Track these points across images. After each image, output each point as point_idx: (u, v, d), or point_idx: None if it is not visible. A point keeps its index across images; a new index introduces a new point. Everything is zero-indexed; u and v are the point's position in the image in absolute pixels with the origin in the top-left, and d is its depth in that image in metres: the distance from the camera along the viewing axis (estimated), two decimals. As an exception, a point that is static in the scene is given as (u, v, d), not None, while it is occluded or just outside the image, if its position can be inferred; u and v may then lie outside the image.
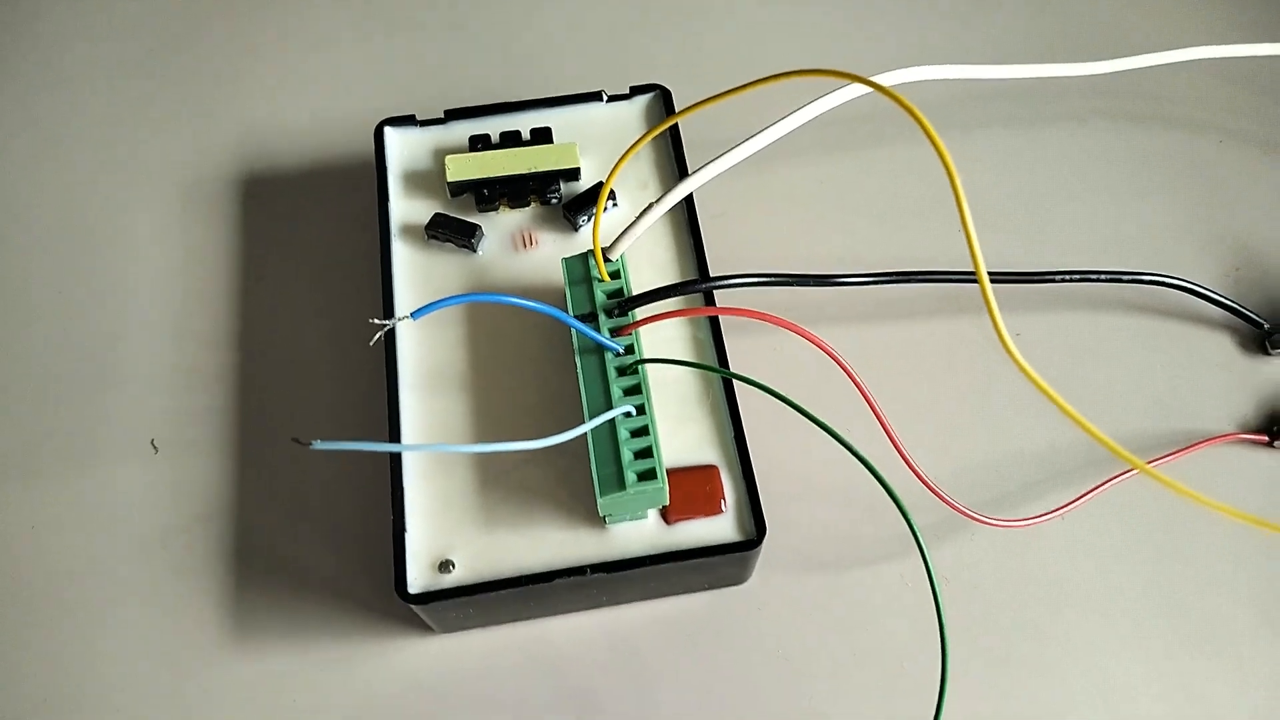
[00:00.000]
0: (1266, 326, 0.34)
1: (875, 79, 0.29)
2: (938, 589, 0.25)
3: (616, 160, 0.33)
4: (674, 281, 0.30)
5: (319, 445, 0.22)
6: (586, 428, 0.26)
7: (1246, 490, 0.32)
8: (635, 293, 0.29)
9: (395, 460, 0.29)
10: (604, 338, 0.28)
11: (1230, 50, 0.37)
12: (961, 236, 0.27)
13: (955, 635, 0.30)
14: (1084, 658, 0.30)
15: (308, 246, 0.37)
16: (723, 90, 0.26)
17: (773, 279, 0.31)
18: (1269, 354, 0.34)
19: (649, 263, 0.32)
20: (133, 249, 0.38)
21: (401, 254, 0.33)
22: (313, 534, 0.32)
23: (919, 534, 0.25)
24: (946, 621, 0.25)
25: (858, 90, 0.30)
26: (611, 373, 0.28)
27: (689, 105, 0.27)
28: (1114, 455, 0.22)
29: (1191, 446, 0.32)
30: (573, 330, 0.28)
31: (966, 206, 0.22)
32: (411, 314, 0.25)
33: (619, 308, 0.29)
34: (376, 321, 0.24)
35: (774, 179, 0.38)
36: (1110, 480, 0.31)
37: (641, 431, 0.27)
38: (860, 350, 0.33)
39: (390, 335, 0.31)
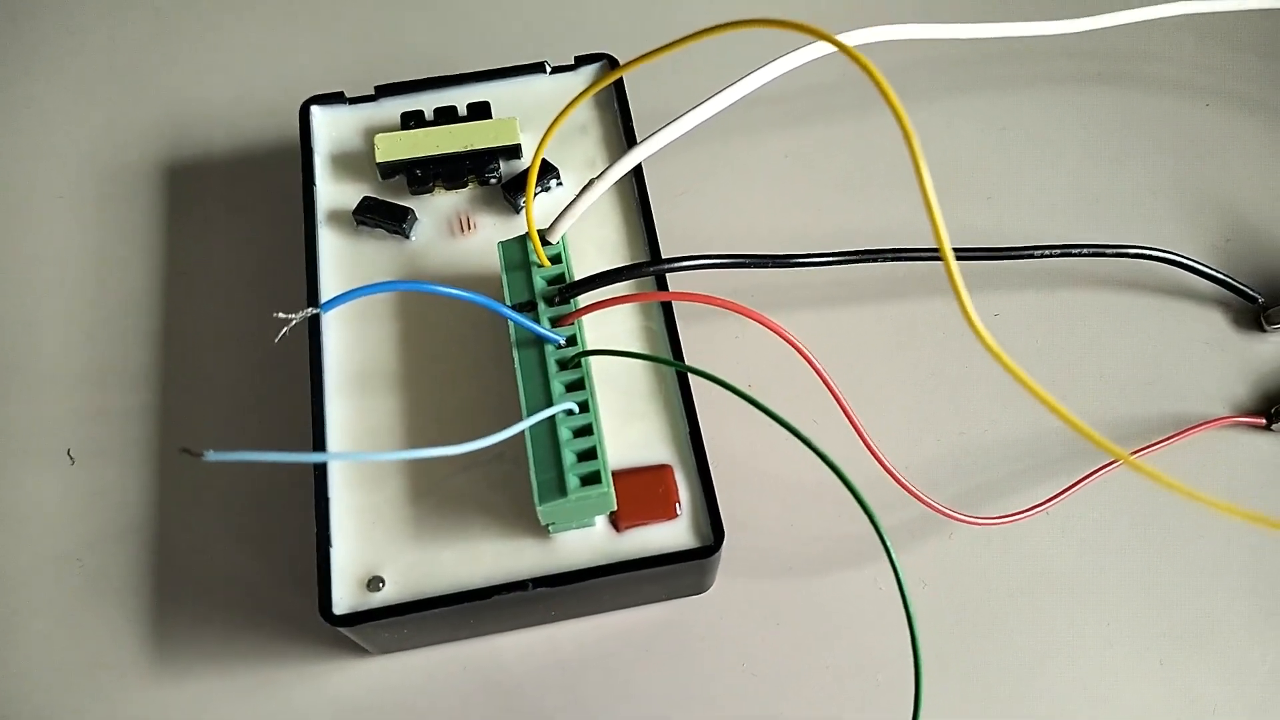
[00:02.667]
0: (1261, 300, 0.32)
1: (835, 37, 0.26)
2: (907, 595, 0.23)
3: (562, 136, 0.31)
4: (620, 265, 0.28)
5: (212, 456, 0.19)
6: (521, 426, 0.24)
7: (1244, 476, 0.30)
8: (578, 278, 0.27)
9: (320, 470, 0.26)
10: (543, 328, 0.26)
11: (1214, 5, 0.35)
12: (925, 214, 0.25)
13: (933, 639, 0.28)
14: (1072, 658, 0.28)
15: (233, 236, 0.35)
16: (667, 42, 0.23)
17: (729, 260, 0.28)
18: (1264, 330, 0.32)
19: (595, 246, 0.30)
20: (45, 239, 0.35)
21: (329, 242, 0.30)
22: (239, 548, 0.30)
23: (885, 537, 0.23)
24: (919, 630, 0.23)
25: (815, 52, 0.28)
26: (552, 367, 0.26)
27: (631, 60, 0.24)
28: (1095, 441, 0.20)
29: (1185, 431, 0.30)
30: (509, 321, 0.26)
31: (928, 177, 0.20)
32: (321, 305, 0.22)
33: (560, 295, 0.27)
34: (282, 315, 0.22)
35: (733, 154, 0.36)
36: (1098, 471, 0.29)
37: (585, 431, 0.25)
38: (825, 336, 0.31)
39: (314, 332, 0.28)
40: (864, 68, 0.19)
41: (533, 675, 0.28)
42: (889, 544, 0.23)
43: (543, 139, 0.25)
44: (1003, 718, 0.27)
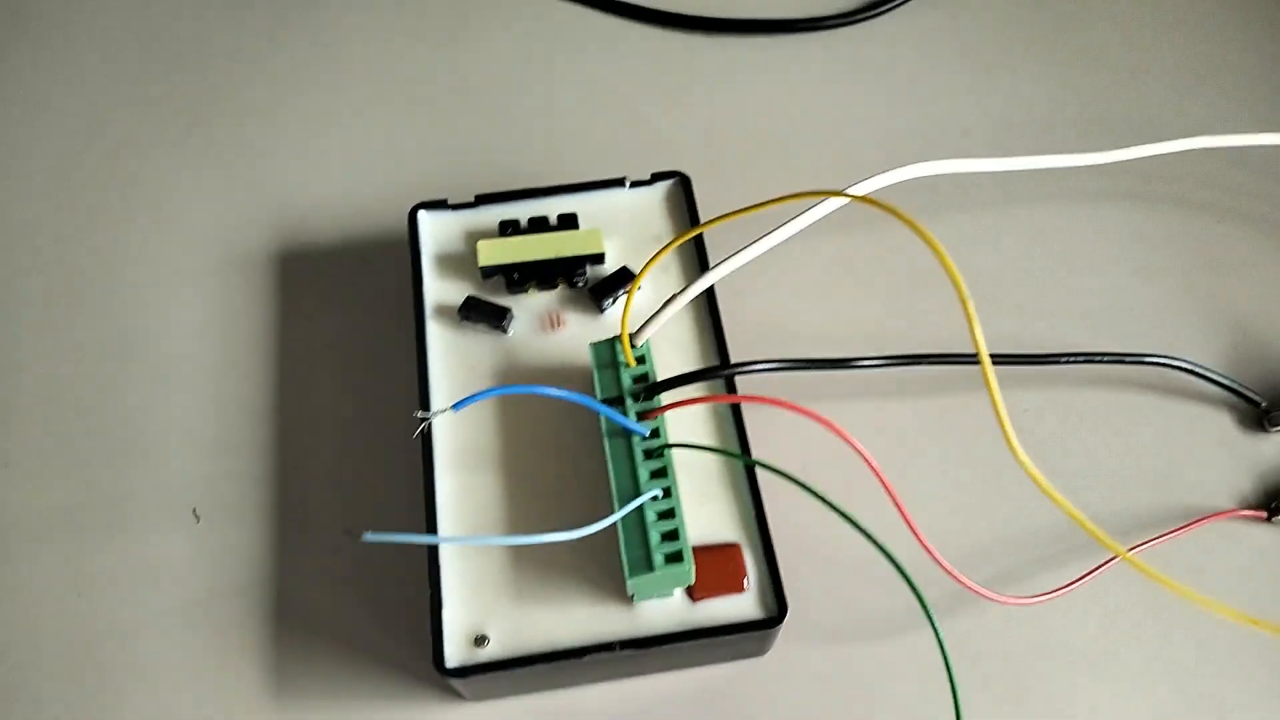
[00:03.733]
0: (1264, 404, 0.36)
1: (880, 177, 0.31)
2: (950, 663, 0.26)
3: (639, 244, 0.35)
4: (696, 368, 0.32)
5: (369, 538, 0.23)
6: (617, 517, 0.28)
7: (1246, 565, 0.34)
8: (660, 378, 0.31)
9: (433, 548, 0.30)
10: (631, 422, 0.30)
11: (1236, 140, 0.39)
12: None
13: (968, 706, 0.31)
14: (1091, 729, 0.31)
15: (342, 321, 0.39)
16: (739, 201, 0.28)
17: (790, 364, 0.32)
18: (1267, 431, 0.36)
19: (672, 345, 0.34)
20: (173, 320, 0.39)
21: (435, 334, 0.34)
22: (351, 602, 0.34)
23: (930, 610, 0.27)
24: (960, 694, 0.26)
25: (872, 185, 0.32)
26: (638, 455, 0.29)
27: (711, 219, 0.29)
28: (1097, 539, 0.24)
29: (1191, 524, 0.34)
30: (601, 414, 0.30)
31: (970, 301, 0.24)
32: (453, 406, 0.26)
33: (645, 392, 0.31)
34: (420, 415, 0.26)
35: (792, 259, 0.39)
36: (1096, 569, 0.32)
37: (668, 514, 0.29)
38: (874, 428, 0.35)
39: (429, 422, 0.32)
40: (902, 218, 0.23)
41: (609, 725, 0.32)
42: (933, 617, 0.27)
43: (643, 269, 0.29)
44: (1028, 777, 0.31)
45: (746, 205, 0.29)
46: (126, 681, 0.33)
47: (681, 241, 0.30)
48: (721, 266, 0.31)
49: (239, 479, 0.36)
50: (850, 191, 0.27)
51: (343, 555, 0.34)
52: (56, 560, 0.35)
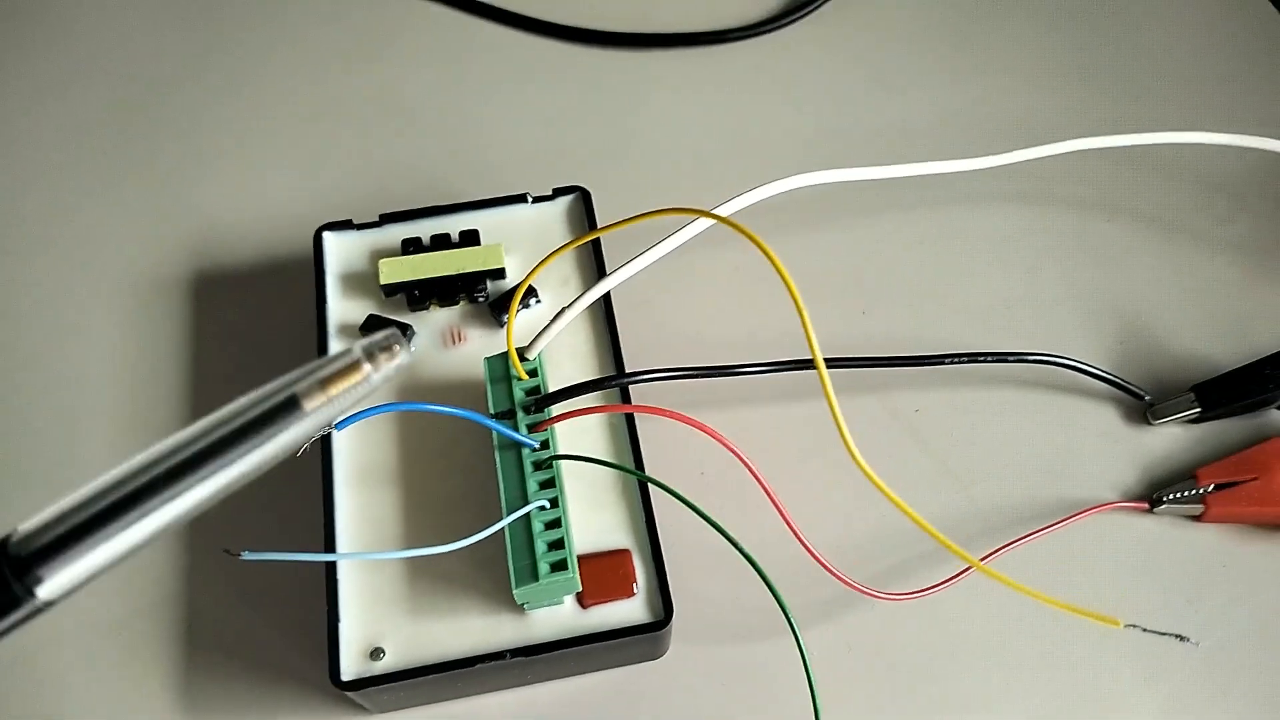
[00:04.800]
0: (1148, 398, 0.37)
1: (760, 190, 0.32)
2: (808, 661, 0.28)
3: (541, 259, 0.36)
4: (590, 378, 0.33)
5: (248, 556, 0.24)
6: (500, 526, 0.29)
7: (1128, 554, 0.35)
8: (551, 390, 0.32)
9: (331, 549, 0.31)
10: (520, 435, 0.30)
11: (1119, 140, 0.40)
12: (866, 319, 0.29)
13: (851, 700, 0.32)
14: (975, 714, 0.32)
15: (254, 343, 0.39)
16: (636, 213, 0.29)
17: (679, 373, 0.33)
18: (1150, 424, 0.37)
19: (569, 355, 0.35)
20: (86, 342, 0.40)
21: (338, 353, 0.35)
22: (259, 620, 0.34)
23: (791, 616, 0.28)
24: (841, 690, 0.27)
25: (748, 200, 0.33)
26: (528, 467, 0.30)
27: (605, 225, 0.30)
28: (947, 547, 0.25)
29: (1076, 515, 0.35)
30: (491, 428, 0.31)
31: (804, 309, 0.25)
32: (335, 425, 0.27)
33: (536, 404, 0.31)
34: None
35: (691, 268, 0.40)
36: (1004, 547, 0.33)
37: (555, 524, 0.29)
38: (762, 433, 0.36)
39: (326, 437, 0.33)
40: (750, 238, 0.24)
41: (511, 731, 0.32)
42: (790, 616, 0.28)
43: (526, 276, 0.30)
44: (917, 767, 0.32)
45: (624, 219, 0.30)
46: (38, 703, 0.33)
47: (561, 252, 0.31)
48: (608, 279, 0.32)
49: (151, 500, 0.36)
50: (713, 212, 0.28)
51: (251, 572, 0.35)
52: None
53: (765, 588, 0.34)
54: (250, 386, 0.38)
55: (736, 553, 0.34)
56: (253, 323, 0.40)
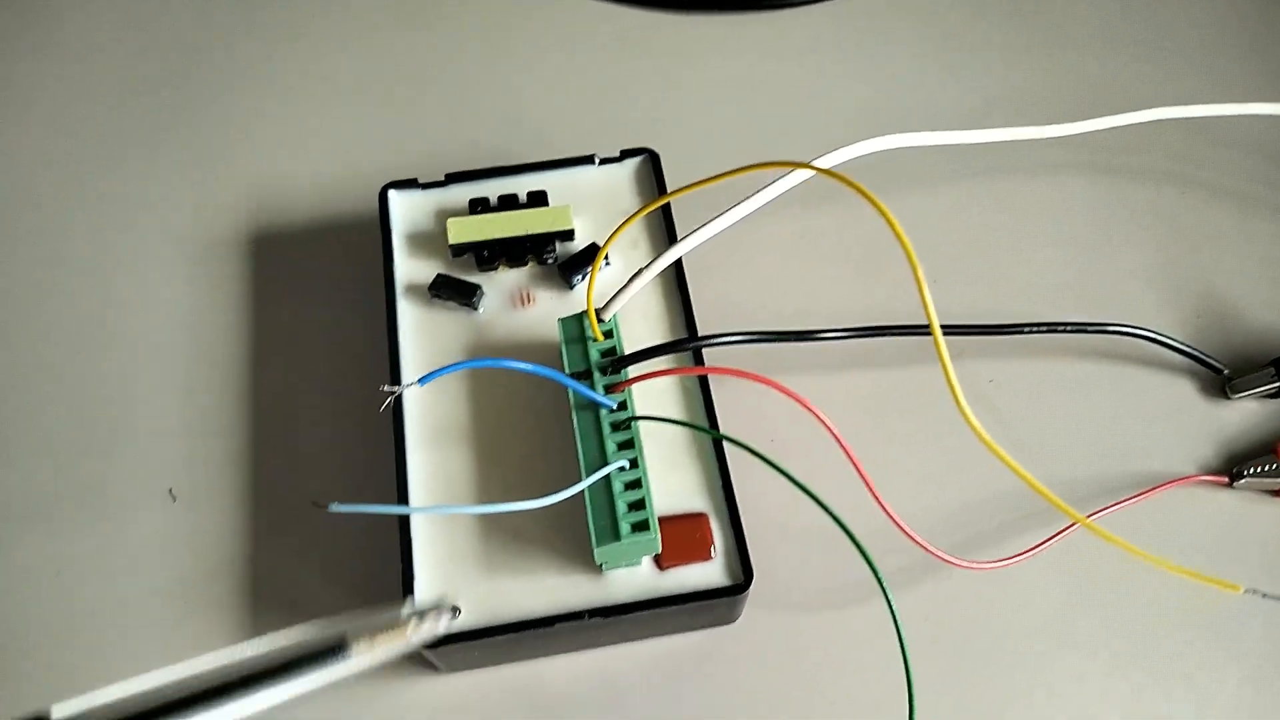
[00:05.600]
0: (1226, 372, 0.36)
1: (843, 150, 0.31)
2: (900, 627, 0.27)
3: (609, 221, 0.35)
4: (663, 341, 0.32)
5: (336, 508, 0.24)
6: (583, 485, 0.28)
7: (1208, 528, 0.34)
8: (627, 351, 0.31)
9: (404, 520, 0.31)
10: (598, 395, 0.30)
11: (1196, 110, 0.39)
12: (936, 288, 0.29)
13: (931, 669, 0.32)
14: (1054, 690, 0.32)
15: (315, 302, 0.39)
16: (706, 176, 0.28)
17: (756, 336, 0.33)
18: (1228, 398, 0.36)
19: (641, 317, 0.34)
20: (147, 305, 0.40)
21: (406, 312, 0.35)
22: (327, 579, 0.34)
23: (882, 578, 0.27)
24: (924, 660, 0.27)
25: (836, 159, 0.32)
26: (606, 428, 0.30)
27: (678, 188, 0.29)
28: (1054, 504, 0.25)
29: (1155, 488, 0.34)
30: (569, 388, 0.30)
31: (920, 268, 0.24)
32: (419, 380, 0.27)
33: (612, 366, 0.31)
34: (386, 389, 0.26)
35: (759, 235, 0.40)
36: (1055, 536, 0.33)
37: (635, 484, 0.29)
38: (838, 400, 0.35)
39: (397, 398, 0.32)
40: (860, 191, 0.23)
41: (579, 694, 0.32)
42: (885, 583, 0.27)
43: (607, 240, 0.30)
44: (993, 738, 0.31)
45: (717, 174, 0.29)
46: (106, 662, 0.33)
47: (646, 212, 0.31)
48: (688, 240, 0.31)
49: (214, 460, 0.36)
50: (814, 164, 0.27)
51: (318, 532, 0.35)
52: (35, 543, 0.35)
53: (839, 557, 0.33)
54: (310, 340, 0.38)
55: (808, 522, 0.34)
56: (312, 282, 0.40)
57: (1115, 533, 0.33)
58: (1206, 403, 0.36)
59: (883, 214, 0.23)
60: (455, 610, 0.28)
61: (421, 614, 0.22)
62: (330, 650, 0.21)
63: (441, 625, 0.22)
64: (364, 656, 0.21)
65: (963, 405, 0.24)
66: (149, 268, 0.41)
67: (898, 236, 0.23)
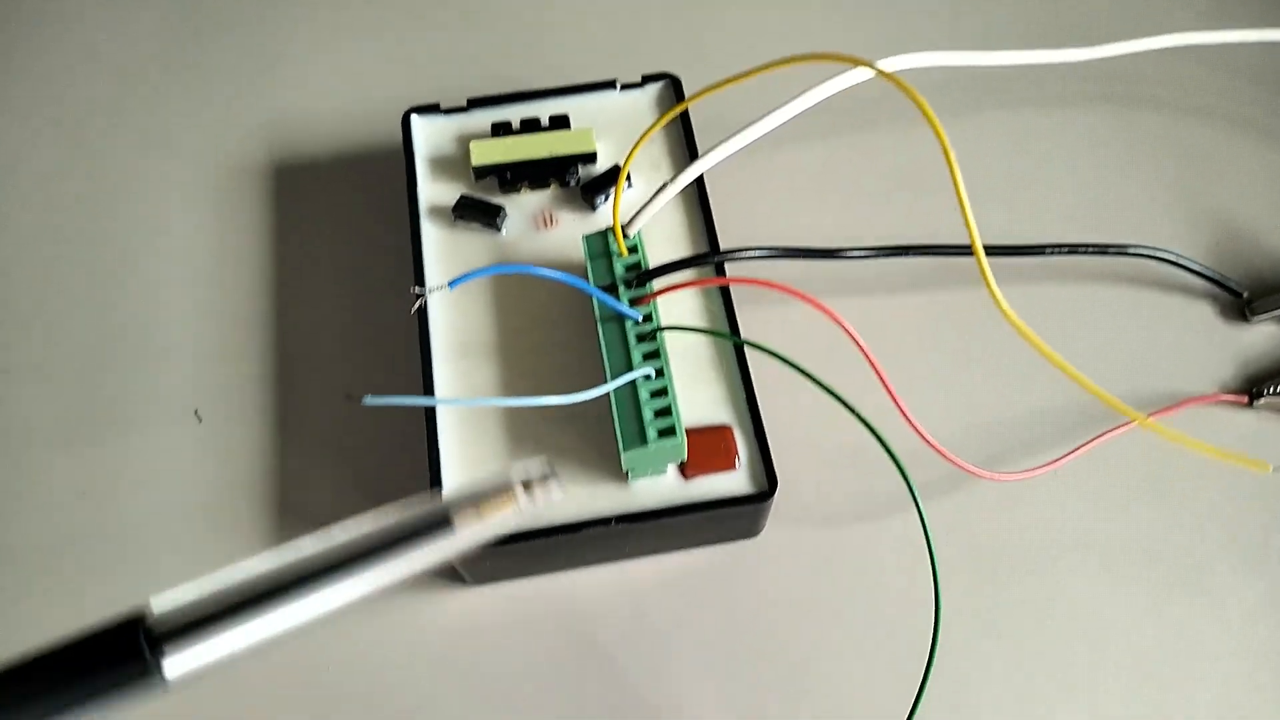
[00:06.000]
0: (1245, 294, 0.36)
1: (882, 67, 0.31)
2: (930, 536, 0.27)
3: (631, 144, 0.35)
4: (688, 255, 0.32)
5: (370, 401, 0.24)
6: (611, 386, 0.29)
7: (1227, 445, 0.34)
8: (652, 265, 0.31)
9: (430, 422, 0.31)
10: (624, 306, 0.30)
11: (1210, 37, 0.39)
12: (955, 215, 0.28)
13: (954, 582, 0.32)
14: (1077, 600, 0.32)
15: (336, 228, 0.39)
16: (729, 76, 0.28)
17: (781, 252, 0.33)
18: (1247, 320, 0.36)
19: (664, 239, 0.34)
20: (169, 230, 0.40)
21: (430, 234, 0.35)
22: (352, 495, 0.34)
23: (913, 485, 0.27)
24: (946, 573, 0.27)
25: (858, 76, 0.32)
26: (632, 340, 0.30)
27: (699, 90, 0.29)
28: (1111, 408, 0.25)
29: (1175, 406, 0.34)
30: (594, 300, 0.31)
31: (961, 181, 0.24)
32: (449, 283, 0.27)
33: (637, 280, 0.31)
34: (417, 290, 0.26)
35: (779, 160, 0.40)
36: (1098, 437, 0.33)
37: (661, 393, 0.29)
38: (863, 320, 0.35)
39: (422, 309, 0.33)
40: (909, 94, 0.23)
41: (603, 606, 0.32)
42: (916, 491, 0.27)
43: (630, 152, 0.30)
44: (1012, 652, 0.32)
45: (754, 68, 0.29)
46: (133, 578, 0.33)
47: (671, 117, 0.31)
48: (712, 153, 0.31)
49: (239, 381, 0.37)
50: (847, 55, 0.27)
51: (342, 448, 0.35)
52: (62, 463, 0.35)
53: (861, 472, 0.34)
54: (332, 272, 0.38)
55: (829, 439, 0.34)
56: (333, 209, 0.40)
57: (1138, 449, 0.34)
58: (1226, 325, 0.37)
59: (930, 119, 0.23)
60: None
61: (529, 482, 0.20)
62: (434, 525, 0.19)
63: (555, 493, 0.20)
64: (470, 530, 0.19)
65: (1009, 313, 0.24)
66: (174, 194, 0.41)
67: (941, 145, 0.23)
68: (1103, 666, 0.31)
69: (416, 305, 0.27)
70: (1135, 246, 0.36)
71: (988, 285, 0.25)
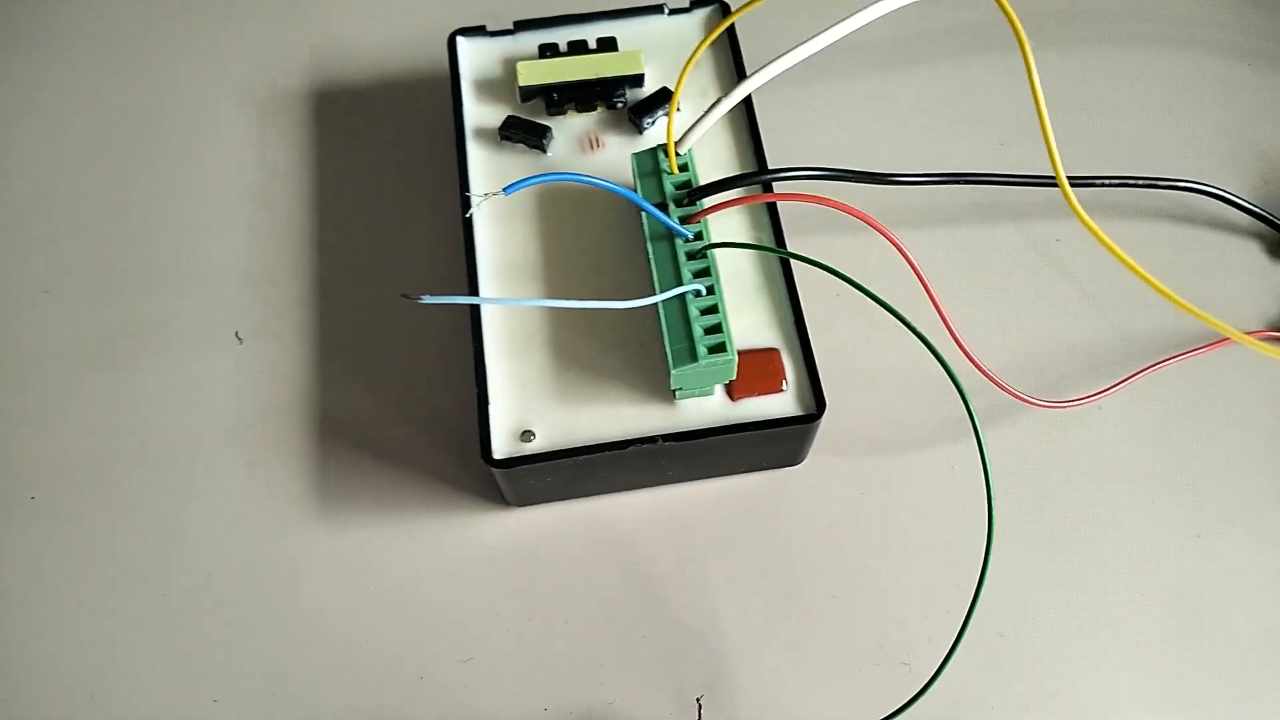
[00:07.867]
0: (1294, 233, 0.36)
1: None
2: (987, 458, 0.27)
3: (679, 69, 0.35)
4: (737, 174, 0.32)
5: (427, 299, 0.24)
6: (660, 297, 0.28)
7: (1273, 381, 0.34)
8: (702, 183, 0.31)
9: (477, 340, 0.31)
10: (674, 223, 0.30)
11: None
12: (1004, 150, 0.28)
13: (999, 509, 0.32)
14: (1122, 529, 0.32)
15: (379, 153, 0.39)
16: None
17: (832, 173, 0.32)
18: (1295, 259, 0.36)
19: (712, 162, 0.34)
20: (213, 154, 0.40)
21: (476, 155, 0.34)
22: (393, 414, 0.34)
23: (970, 403, 0.27)
24: (994, 490, 0.27)
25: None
26: (681, 258, 0.30)
27: (745, 3, 0.28)
28: (1208, 324, 0.26)
29: (1218, 342, 0.34)
30: (644, 217, 0.30)
31: (1045, 106, 0.24)
32: (504, 189, 0.27)
33: (688, 197, 0.31)
34: (473, 195, 0.26)
35: (826, 92, 0.40)
36: (1145, 369, 0.33)
37: (711, 310, 0.29)
38: (914, 247, 0.35)
39: (468, 228, 0.32)
40: (1006, 12, 0.23)
41: (645, 530, 0.32)
42: (973, 410, 0.27)
43: (683, 70, 0.29)
44: (1056, 580, 0.32)
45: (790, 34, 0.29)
46: (176, 496, 0.34)
47: (717, 34, 0.30)
48: (762, 72, 0.31)
49: (280, 303, 0.37)
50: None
51: (382, 368, 0.35)
52: (103, 382, 0.35)
53: (907, 400, 0.34)
54: (377, 196, 0.38)
55: (875, 366, 0.34)
56: (376, 133, 0.40)
57: (1186, 380, 0.34)
58: (1273, 264, 0.36)
59: (1018, 36, 0.23)
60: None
61: None
62: None
63: None
64: None
65: (1103, 237, 0.23)
66: (219, 118, 0.41)
67: (1028, 70, 0.23)
68: (1147, 594, 0.31)
69: (472, 210, 0.26)
70: (1185, 180, 0.36)
71: (1075, 211, 0.25)
